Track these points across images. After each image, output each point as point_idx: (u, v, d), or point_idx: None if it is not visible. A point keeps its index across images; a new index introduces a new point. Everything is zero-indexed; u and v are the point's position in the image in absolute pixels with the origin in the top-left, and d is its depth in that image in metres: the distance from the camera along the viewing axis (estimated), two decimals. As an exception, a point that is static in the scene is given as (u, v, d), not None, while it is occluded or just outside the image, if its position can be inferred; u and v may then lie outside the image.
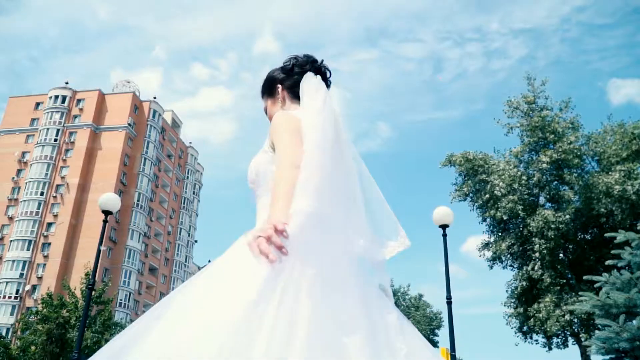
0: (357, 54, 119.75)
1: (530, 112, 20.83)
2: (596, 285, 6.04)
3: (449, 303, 10.87)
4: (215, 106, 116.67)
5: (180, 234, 70.54)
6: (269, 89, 2.00)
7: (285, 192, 1.40)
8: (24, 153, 60.55)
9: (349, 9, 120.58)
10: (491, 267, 22.22)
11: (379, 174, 1.81)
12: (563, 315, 18.25)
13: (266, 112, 2.00)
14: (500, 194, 20.10)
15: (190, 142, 76.64)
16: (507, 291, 21.92)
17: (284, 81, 1.95)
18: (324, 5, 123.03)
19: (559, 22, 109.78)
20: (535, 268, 19.59)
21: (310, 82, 1.80)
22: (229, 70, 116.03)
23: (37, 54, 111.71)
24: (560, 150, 19.59)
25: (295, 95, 1.89)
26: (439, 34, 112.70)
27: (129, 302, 56.53)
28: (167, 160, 69.18)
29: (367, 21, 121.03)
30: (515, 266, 21.68)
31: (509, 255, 21.63)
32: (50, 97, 61.72)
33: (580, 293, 6.30)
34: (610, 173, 19.28)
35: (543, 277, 19.41)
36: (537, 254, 19.43)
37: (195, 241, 76.82)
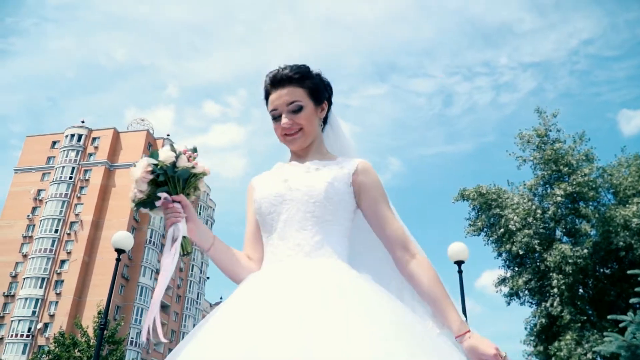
0: (367, 89, 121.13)
1: (543, 145, 20.70)
2: (621, 325, 5.83)
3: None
4: (226, 142, 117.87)
5: (192, 270, 70.30)
6: (316, 94, 1.77)
7: (447, 292, 1.58)
8: (39, 191, 61.31)
9: (358, 45, 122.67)
10: (508, 304, 21.74)
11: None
12: (585, 354, 17.66)
13: (299, 109, 1.72)
14: (515, 228, 19.80)
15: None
16: (525, 328, 21.36)
17: (328, 103, 1.83)
18: (334, 41, 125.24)
19: (567, 55, 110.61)
20: (554, 304, 19.09)
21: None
22: (240, 107, 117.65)
23: (55, 94, 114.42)
24: (574, 183, 19.34)
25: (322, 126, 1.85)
26: (448, 69, 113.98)
27: (140, 340, 55.98)
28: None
29: (376, 57, 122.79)
30: (533, 302, 21.17)
31: (526, 291, 21.15)
32: (67, 136, 62.82)
33: (605, 333, 6.08)
34: (627, 205, 18.94)
35: (563, 313, 18.89)
36: (555, 290, 18.97)
37: (207, 278, 76.45)
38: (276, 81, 1.73)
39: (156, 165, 1.57)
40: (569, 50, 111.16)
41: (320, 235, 1.60)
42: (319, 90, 1.78)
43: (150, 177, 1.57)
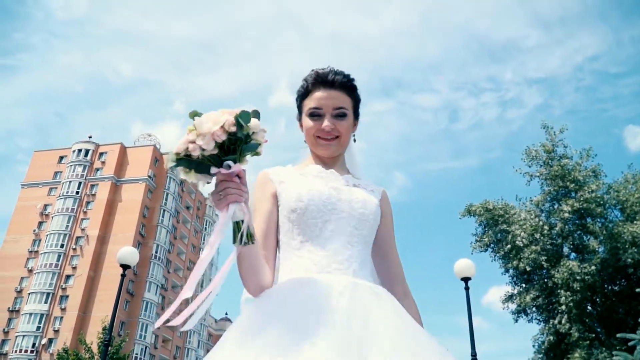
0: (373, 104, 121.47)
1: (550, 161, 20.64)
2: (630, 343, 5.74)
3: (474, 360, 10.45)
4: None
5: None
6: (357, 108, 1.75)
7: None
8: (46, 206, 61.53)
9: (364, 61, 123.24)
10: (516, 321, 21.52)
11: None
12: (594, 372, 17.42)
13: (344, 116, 1.66)
14: (522, 244, 19.66)
15: (209, 194, 77.30)
16: (533, 346, 21.13)
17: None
18: (340, 57, 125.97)
19: (573, 71, 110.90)
20: (563, 322, 18.88)
21: None
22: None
23: (62, 109, 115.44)
24: (582, 199, 19.23)
25: None
26: (454, 84, 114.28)
27: (144, 356, 55.68)
28: (186, 211, 69.62)
29: (382, 72, 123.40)
30: (541, 319, 20.95)
31: (534, 308, 20.93)
32: (74, 151, 63.20)
33: (614, 352, 5.99)
34: (635, 222, 18.80)
35: (571, 331, 18.66)
36: (563, 307, 18.77)
37: (213, 293, 76.13)
38: (327, 81, 1.67)
39: (241, 127, 1.29)
40: (574, 66, 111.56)
41: (363, 255, 1.57)
42: (359, 105, 1.75)
43: (225, 138, 1.27)
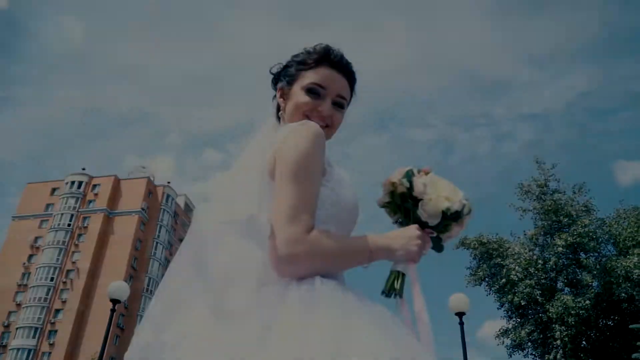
0: (368, 138, 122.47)
1: (543, 196, 20.83)
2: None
3: (469, 397, 10.31)
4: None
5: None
6: (348, 106, 1.59)
7: None
8: (37, 238, 60.98)
9: (359, 95, 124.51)
10: (510, 356, 21.28)
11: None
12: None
13: (342, 107, 1.54)
14: (516, 279, 19.64)
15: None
16: (530, 382, 20.83)
17: None
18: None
19: (565, 107, 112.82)
20: (558, 356, 18.76)
21: None
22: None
23: (58, 141, 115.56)
24: (575, 233, 19.37)
25: None
26: (448, 119, 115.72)
27: None
28: (179, 244, 69.06)
29: (377, 107, 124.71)
30: (536, 354, 20.75)
31: (529, 343, 20.76)
32: (67, 183, 63.05)
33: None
34: (627, 257, 18.88)
35: (567, 366, 18.54)
36: (558, 342, 18.67)
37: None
38: (339, 64, 1.51)
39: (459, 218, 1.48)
40: (566, 102, 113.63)
41: None
42: (349, 104, 1.57)
43: (452, 212, 1.44)
